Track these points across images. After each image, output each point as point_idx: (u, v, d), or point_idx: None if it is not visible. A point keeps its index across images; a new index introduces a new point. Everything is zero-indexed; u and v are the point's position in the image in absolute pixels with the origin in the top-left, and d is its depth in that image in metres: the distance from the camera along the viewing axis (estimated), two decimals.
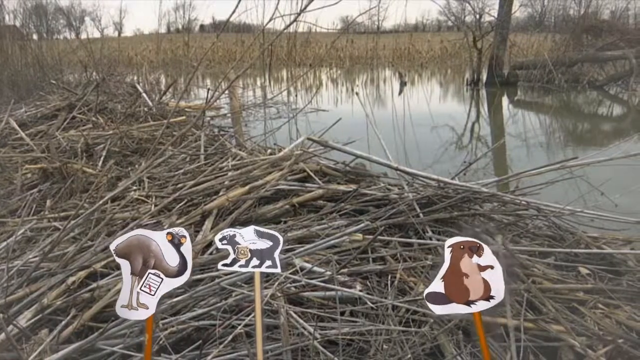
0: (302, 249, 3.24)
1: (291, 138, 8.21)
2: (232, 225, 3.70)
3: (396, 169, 4.50)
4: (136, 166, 5.58)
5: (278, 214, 3.96)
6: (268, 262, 2.06)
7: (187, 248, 2.00)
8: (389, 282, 3.09)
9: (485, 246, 1.92)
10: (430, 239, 3.58)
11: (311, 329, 2.55)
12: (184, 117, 8.06)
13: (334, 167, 4.67)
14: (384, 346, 2.57)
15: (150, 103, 8.81)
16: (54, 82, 10.48)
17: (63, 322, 2.73)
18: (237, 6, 4.49)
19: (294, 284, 2.97)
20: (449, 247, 1.93)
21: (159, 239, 1.99)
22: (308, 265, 3.09)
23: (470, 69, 18.67)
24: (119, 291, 2.01)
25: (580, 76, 16.92)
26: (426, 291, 1.93)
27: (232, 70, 9.46)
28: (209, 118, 9.09)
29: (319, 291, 2.90)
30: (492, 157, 7.90)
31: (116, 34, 39.79)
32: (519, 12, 25.47)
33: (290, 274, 3.00)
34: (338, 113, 10.75)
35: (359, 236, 3.45)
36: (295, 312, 2.71)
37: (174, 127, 7.32)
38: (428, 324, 2.70)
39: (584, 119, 12.75)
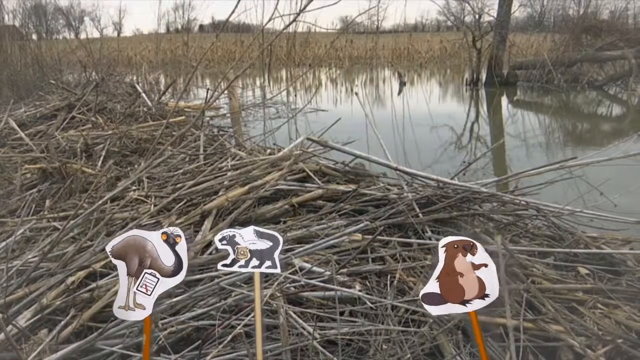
0: (301, 249, 3.24)
1: (290, 138, 8.21)
2: (232, 225, 3.70)
3: (395, 169, 4.50)
4: (135, 166, 5.58)
5: (277, 214, 3.96)
6: (268, 263, 2.06)
7: (182, 247, 2.01)
8: (388, 282, 3.09)
9: (478, 245, 1.93)
10: (430, 239, 3.58)
11: (310, 329, 2.55)
12: (183, 117, 8.06)
13: (334, 167, 4.67)
14: (384, 346, 2.57)
15: (149, 103, 8.81)
16: (53, 82, 10.48)
17: (62, 322, 2.73)
18: (236, 6, 4.49)
19: (293, 284, 2.97)
20: (442, 246, 1.94)
21: (154, 239, 1.99)
22: (307, 265, 3.09)
23: (469, 69, 18.67)
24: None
25: (580, 76, 16.93)
26: (421, 292, 1.94)
27: (232, 70, 9.47)
28: (208, 118, 9.08)
29: (318, 291, 2.90)
30: (492, 157, 7.91)
31: (115, 34, 39.79)
32: (518, 12, 25.42)
33: (290, 274, 3.00)
34: (337, 113, 10.76)
35: (359, 236, 3.45)
36: (295, 312, 2.71)
37: (173, 127, 7.32)
38: (427, 324, 2.70)
39: (583, 119, 12.76)
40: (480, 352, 1.96)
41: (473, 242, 1.93)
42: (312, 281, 2.94)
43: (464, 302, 1.92)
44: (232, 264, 2.07)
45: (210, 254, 3.36)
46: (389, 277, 3.13)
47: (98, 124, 7.43)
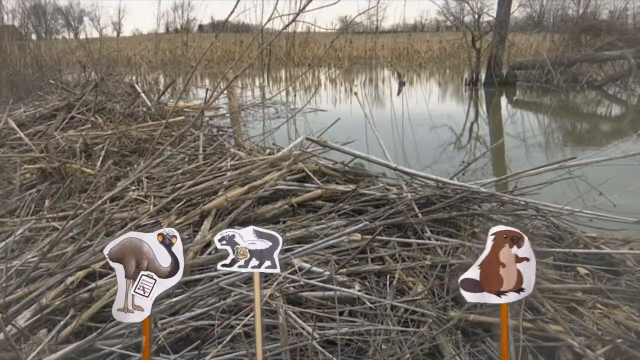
0: (300, 249, 3.24)
1: (290, 138, 8.21)
2: (231, 225, 3.70)
3: (395, 169, 4.50)
4: (135, 166, 5.58)
5: (277, 214, 3.96)
6: (267, 263, 2.06)
7: (178, 248, 2.01)
8: (387, 282, 3.09)
9: (525, 238, 1.95)
10: (429, 239, 3.58)
11: (310, 329, 2.55)
12: (182, 117, 8.06)
13: (333, 167, 4.67)
14: (383, 346, 2.57)
15: (148, 103, 8.80)
16: (52, 82, 10.48)
17: (62, 322, 2.73)
18: (235, 6, 4.49)
19: (292, 284, 2.97)
20: (492, 234, 1.96)
21: (150, 240, 2.00)
22: (307, 265, 3.09)
23: (469, 69, 18.68)
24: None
25: (579, 76, 16.94)
26: (461, 277, 1.95)
27: (231, 70, 9.48)
28: (207, 118, 9.08)
29: (317, 291, 2.90)
30: (491, 157, 7.91)
31: (115, 34, 39.69)
32: (517, 12, 25.41)
33: (289, 274, 3.00)
34: (337, 113, 10.77)
35: (358, 236, 3.46)
36: (294, 312, 2.71)
37: (172, 127, 7.32)
38: (427, 324, 2.71)
39: (582, 119, 12.76)
40: (503, 346, 1.98)
41: (521, 235, 1.95)
42: (312, 281, 2.94)
43: (499, 293, 1.94)
44: (231, 264, 2.08)
45: (210, 254, 3.36)
46: (388, 277, 3.13)
47: (97, 124, 7.43)
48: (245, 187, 4.08)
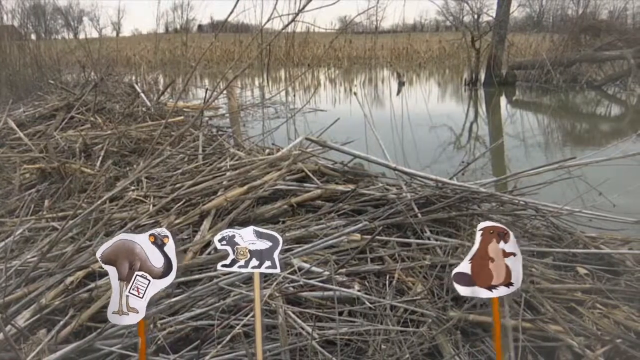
0: (300, 249, 3.24)
1: (289, 138, 8.21)
2: (230, 225, 3.70)
3: (394, 169, 4.50)
4: (134, 166, 5.57)
5: (276, 214, 3.96)
6: (267, 263, 2.06)
7: (170, 248, 2.01)
8: (387, 282, 3.09)
9: (511, 233, 2.01)
10: (429, 239, 3.58)
11: (309, 329, 2.55)
12: (182, 117, 8.06)
13: (332, 167, 4.67)
14: (382, 346, 2.57)
15: (148, 103, 8.80)
16: (52, 82, 10.48)
17: (61, 322, 2.73)
18: (235, 6, 4.48)
19: (292, 284, 2.97)
20: (480, 230, 2.02)
21: (142, 241, 2.00)
22: (306, 265, 3.09)
23: (468, 69, 18.69)
24: None
25: (579, 76, 16.94)
26: (454, 271, 2.02)
27: (230, 70, 9.48)
28: (207, 118, 9.08)
29: (317, 291, 2.90)
30: (490, 157, 7.91)
31: (114, 34, 39.73)
32: (517, 12, 25.44)
33: (289, 274, 3.00)
34: (336, 113, 10.77)
35: (357, 236, 3.46)
36: (294, 312, 2.71)
37: (172, 127, 7.32)
38: (426, 324, 2.70)
39: (582, 119, 12.77)
40: (496, 341, 2.00)
41: (507, 230, 2.01)
42: (311, 281, 2.94)
43: (490, 287, 2.01)
44: (231, 264, 2.08)
45: (209, 254, 3.36)
46: (387, 277, 3.13)
47: (97, 124, 7.43)
48: (245, 187, 4.08)
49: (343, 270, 3.11)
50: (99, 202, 3.78)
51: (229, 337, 2.52)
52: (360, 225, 3.53)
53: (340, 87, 19.60)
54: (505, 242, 2.00)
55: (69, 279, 2.99)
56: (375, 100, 16.15)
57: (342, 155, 4.74)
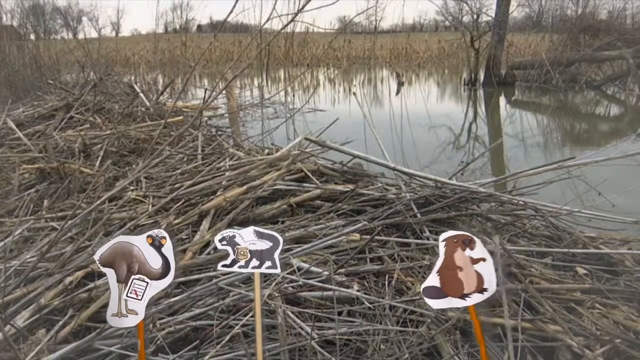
0: (299, 249, 3.25)
1: (288, 138, 8.21)
2: (230, 225, 3.70)
3: (393, 169, 4.50)
4: (133, 166, 5.57)
5: (275, 214, 3.96)
6: (268, 263, 2.06)
7: (168, 249, 2.00)
8: (386, 282, 3.10)
9: (477, 239, 1.98)
10: (428, 239, 3.58)
11: (309, 329, 2.55)
12: (181, 117, 8.05)
13: (332, 167, 4.67)
14: (382, 346, 2.57)
15: (147, 103, 8.80)
16: (51, 82, 10.46)
17: (60, 322, 2.73)
18: (234, 6, 4.48)
19: (291, 284, 2.97)
20: (442, 241, 1.99)
21: (139, 243, 2.00)
22: (305, 265, 3.09)
23: (467, 69, 18.70)
24: None
25: (578, 76, 16.95)
26: (422, 286, 1.98)
27: (230, 70, 9.45)
28: (206, 118, 9.08)
29: (316, 291, 2.90)
30: (490, 157, 7.91)
31: (113, 34, 39.82)
32: (516, 12, 25.49)
33: (288, 274, 3.00)
34: (335, 113, 10.74)
35: (357, 236, 3.46)
36: (293, 312, 2.71)
37: (171, 127, 7.32)
38: (425, 324, 2.71)
39: (581, 119, 12.77)
40: (481, 347, 1.99)
41: (471, 237, 1.98)
42: (310, 281, 2.94)
43: (463, 296, 1.96)
44: (232, 265, 2.07)
45: (209, 254, 3.36)
46: (387, 277, 3.13)
47: (96, 124, 7.42)
48: (244, 187, 4.08)
49: (342, 270, 3.11)
50: (98, 202, 3.78)
51: (228, 337, 2.52)
52: (359, 225, 3.53)
53: (339, 87, 19.60)
54: (472, 248, 1.96)
55: (68, 279, 2.99)
56: (374, 100, 16.14)
57: (342, 155, 4.74)
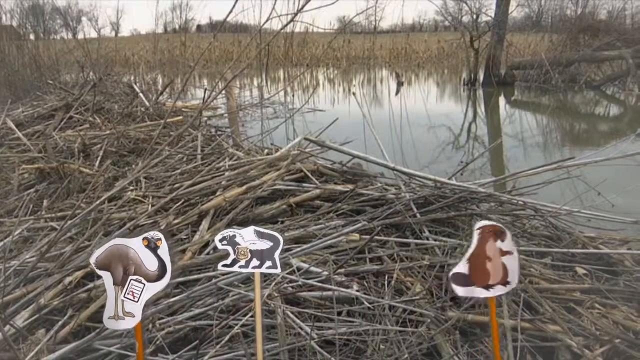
0: (299, 249, 3.24)
1: (288, 138, 8.21)
2: (229, 225, 3.70)
3: (393, 169, 4.50)
4: (133, 166, 5.57)
5: (275, 214, 3.96)
6: (268, 263, 2.06)
7: (164, 251, 2.00)
8: (386, 282, 3.09)
9: (508, 232, 2.01)
10: (427, 239, 3.58)
11: (308, 329, 2.55)
12: (180, 117, 8.06)
13: (331, 167, 4.67)
14: (381, 346, 2.57)
15: (147, 103, 8.80)
16: (50, 82, 10.46)
17: (60, 322, 2.73)
18: (234, 6, 4.48)
19: (291, 284, 2.97)
20: (478, 229, 2.02)
21: (135, 245, 1.99)
22: (305, 265, 3.09)
23: (467, 69, 18.70)
24: None
25: (577, 76, 16.96)
26: (452, 271, 2.01)
27: (229, 70, 9.45)
28: (205, 118, 9.08)
29: (316, 291, 2.90)
30: (489, 157, 7.91)
31: (113, 34, 39.84)
32: (515, 12, 25.47)
33: (287, 274, 3.00)
34: (335, 113, 10.73)
35: (356, 236, 3.45)
36: (292, 312, 2.71)
37: (171, 127, 7.32)
38: (425, 324, 2.71)
39: (580, 119, 12.78)
40: (494, 340, 2.01)
41: (504, 229, 2.01)
42: (310, 281, 2.94)
43: (487, 287, 2.00)
44: (232, 264, 2.07)
45: (208, 254, 3.36)
46: (386, 277, 3.13)
47: (96, 124, 7.42)
48: (244, 187, 4.08)
49: (342, 270, 3.11)
50: (97, 202, 3.78)
51: (227, 337, 2.52)
52: (359, 225, 3.53)
53: (339, 87, 19.60)
54: (502, 240, 1.99)
55: (68, 279, 2.99)
56: (374, 100, 16.15)
57: (341, 155, 4.74)
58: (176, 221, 3.74)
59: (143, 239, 2.00)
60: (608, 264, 3.49)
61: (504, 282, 1.99)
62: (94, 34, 35.96)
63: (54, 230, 3.71)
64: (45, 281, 2.98)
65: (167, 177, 4.82)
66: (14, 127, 6.73)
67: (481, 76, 17.94)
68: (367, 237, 3.41)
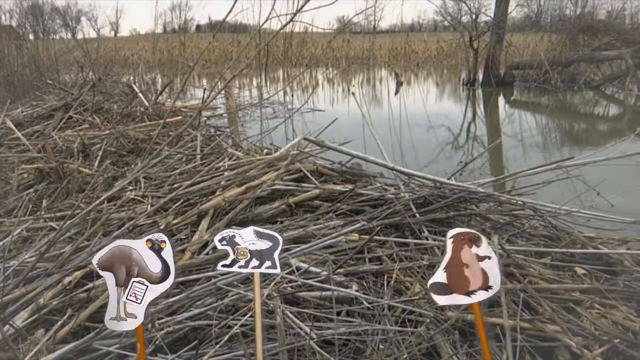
0: (298, 249, 3.24)
1: (287, 138, 8.20)
2: (228, 225, 3.70)
3: (392, 169, 4.50)
4: (132, 166, 5.57)
5: (274, 214, 3.96)
6: (268, 263, 2.06)
7: (167, 253, 2.00)
8: (385, 282, 3.10)
9: (483, 237, 2.02)
10: (427, 239, 3.58)
11: (307, 329, 2.55)
12: (180, 117, 8.05)
13: (330, 167, 4.67)
14: (380, 346, 2.57)
15: (146, 103, 8.79)
16: (50, 82, 10.46)
17: (59, 322, 2.72)
18: (233, 6, 4.49)
19: (290, 284, 2.97)
20: (450, 238, 2.02)
21: (139, 247, 1.99)
22: (304, 265, 3.09)
23: (466, 69, 18.71)
24: None
25: (577, 76, 16.97)
26: (430, 282, 2.02)
27: (229, 70, 9.45)
28: (205, 118, 9.07)
29: (315, 291, 2.90)
30: (489, 157, 7.92)
31: (112, 33, 39.84)
32: (515, 12, 25.42)
33: (287, 274, 2.99)
34: (334, 113, 10.73)
35: (355, 236, 3.45)
36: (292, 312, 2.71)
37: (170, 127, 7.31)
38: (424, 324, 2.71)
39: (580, 119, 12.78)
40: (483, 345, 2.00)
41: (478, 235, 2.02)
42: (309, 281, 2.94)
43: (468, 293, 2.00)
44: (232, 264, 2.07)
45: (207, 254, 3.36)
46: (385, 277, 3.13)
47: (95, 124, 7.42)
48: (243, 187, 4.08)
49: (341, 270, 3.11)
50: (97, 202, 3.78)
51: (227, 337, 2.52)
52: (358, 225, 3.53)
53: (338, 87, 19.60)
54: (478, 246, 2.00)
55: (67, 279, 2.99)
56: (373, 100, 16.15)
57: (340, 155, 4.74)
58: (175, 221, 3.74)
59: (147, 240, 2.00)
60: (607, 264, 3.49)
61: (486, 287, 1.98)
62: (93, 34, 36.03)
63: (54, 230, 3.70)
64: (45, 281, 2.98)
65: (166, 177, 4.82)
66: (13, 127, 6.72)
67: (480, 76, 17.96)
68: (367, 237, 3.41)
